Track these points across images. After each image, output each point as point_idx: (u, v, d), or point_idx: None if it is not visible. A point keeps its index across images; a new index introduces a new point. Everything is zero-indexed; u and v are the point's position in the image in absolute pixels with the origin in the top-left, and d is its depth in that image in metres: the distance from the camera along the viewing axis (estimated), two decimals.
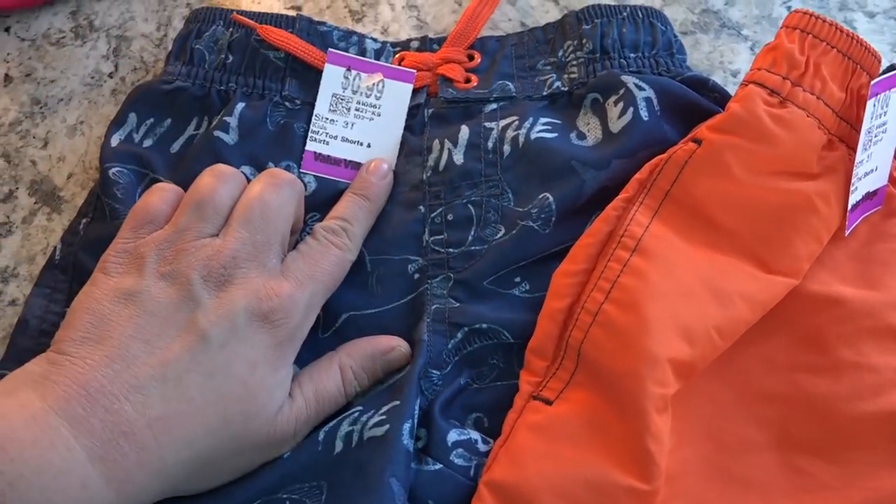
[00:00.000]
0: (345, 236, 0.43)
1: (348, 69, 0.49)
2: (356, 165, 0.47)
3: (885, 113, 0.41)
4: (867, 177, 0.41)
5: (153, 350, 0.36)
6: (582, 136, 0.46)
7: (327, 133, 0.48)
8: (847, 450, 0.39)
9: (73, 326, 0.37)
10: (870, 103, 0.40)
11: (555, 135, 0.46)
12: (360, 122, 0.48)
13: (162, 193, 0.42)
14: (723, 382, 0.41)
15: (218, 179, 0.41)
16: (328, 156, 0.48)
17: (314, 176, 0.47)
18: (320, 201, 0.47)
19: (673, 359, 0.38)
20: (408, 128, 0.48)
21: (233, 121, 0.47)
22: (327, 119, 0.48)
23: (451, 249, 0.45)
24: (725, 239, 0.41)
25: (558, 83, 0.48)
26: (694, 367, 0.39)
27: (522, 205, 0.45)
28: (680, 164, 0.41)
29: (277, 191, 0.41)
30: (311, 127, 0.48)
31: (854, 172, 0.41)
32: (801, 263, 0.40)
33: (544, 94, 0.48)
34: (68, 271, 0.47)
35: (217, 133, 0.47)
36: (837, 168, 0.41)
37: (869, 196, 0.42)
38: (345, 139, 0.48)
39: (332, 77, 0.48)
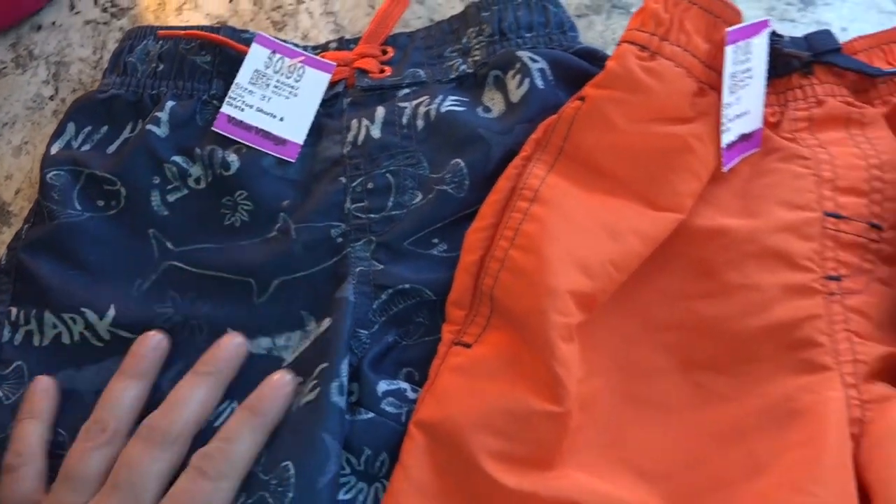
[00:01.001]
0: (221, 461, 0.41)
1: (273, 52, 0.51)
2: (266, 134, 0.49)
3: (749, 59, 0.45)
4: (739, 119, 0.44)
5: None
6: (487, 109, 0.49)
7: (244, 101, 0.50)
8: (740, 363, 0.42)
9: None
10: (728, 49, 0.43)
11: (463, 108, 0.49)
12: (276, 97, 0.50)
13: (17, 474, 0.42)
14: (627, 316, 0.43)
15: (89, 447, 0.42)
16: (241, 121, 0.50)
17: (237, 156, 0.49)
18: (245, 181, 0.48)
19: (573, 291, 0.41)
20: (327, 114, 0.50)
21: (164, 115, 0.49)
22: (246, 89, 0.50)
23: (372, 215, 0.47)
24: (615, 183, 0.44)
25: (464, 66, 0.50)
26: (594, 298, 0.42)
27: (437, 171, 0.47)
28: (569, 121, 0.45)
29: (151, 452, 0.41)
30: (230, 94, 0.50)
31: (723, 114, 0.44)
32: (683, 199, 0.43)
33: (452, 77, 0.50)
34: (11, 273, 0.48)
35: (149, 126, 0.49)
36: (709, 112, 0.44)
37: (745, 138, 0.45)
38: (260, 110, 0.50)
39: (257, 56, 0.51)
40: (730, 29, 0.44)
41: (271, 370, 0.45)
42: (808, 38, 0.46)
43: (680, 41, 0.44)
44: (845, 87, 0.47)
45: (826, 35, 0.46)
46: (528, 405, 0.40)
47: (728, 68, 0.44)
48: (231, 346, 0.45)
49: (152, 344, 0.45)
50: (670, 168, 0.43)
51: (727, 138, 0.44)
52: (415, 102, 0.49)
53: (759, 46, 0.45)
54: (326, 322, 0.45)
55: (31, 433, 0.43)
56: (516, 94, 0.48)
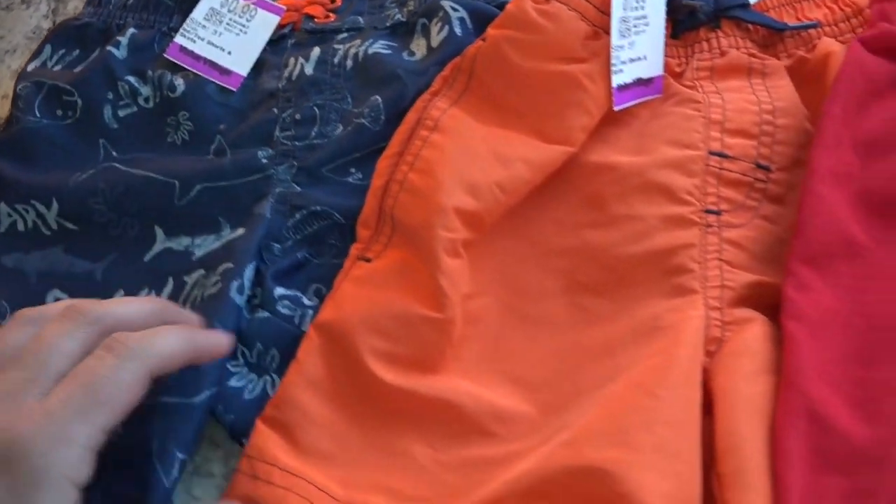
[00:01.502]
0: (133, 343, 0.36)
1: None
2: (213, 64, 0.53)
3: (643, 7, 0.46)
4: (634, 63, 0.46)
5: None
6: (412, 53, 0.52)
7: (196, 34, 0.54)
8: (620, 287, 0.43)
9: None
10: None
11: (389, 52, 0.52)
12: (227, 33, 0.54)
13: None
14: (521, 242, 0.45)
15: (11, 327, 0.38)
16: (192, 51, 0.53)
17: (184, 80, 0.52)
18: (189, 103, 0.52)
19: (459, 209, 0.43)
20: (272, 52, 0.54)
21: (124, 40, 0.54)
22: (200, 24, 0.54)
23: (296, 142, 0.50)
24: (511, 116, 0.46)
25: (399, 15, 0.53)
26: (481, 218, 0.43)
27: (358, 106, 0.50)
28: (472, 59, 0.47)
29: (65, 328, 0.37)
30: (184, 26, 0.54)
31: (614, 55, 0.46)
32: (574, 133, 0.45)
33: (387, 25, 0.53)
34: None
35: (109, 48, 0.53)
36: (602, 53, 0.46)
37: (643, 82, 0.46)
38: (210, 43, 0.53)
39: None
40: None
41: (184, 265, 0.48)
42: None
43: None
44: (753, 41, 0.47)
45: None
46: (413, 311, 0.42)
47: (616, 12, 0.46)
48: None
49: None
50: (562, 103, 0.45)
51: (619, 79, 0.45)
52: (348, 45, 0.52)
53: None
54: (240, 231, 0.48)
55: None
56: (436, 40, 0.51)
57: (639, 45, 0.46)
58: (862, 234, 0.41)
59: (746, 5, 0.47)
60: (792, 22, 0.48)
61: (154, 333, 0.38)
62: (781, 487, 0.35)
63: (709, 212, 0.43)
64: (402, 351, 0.42)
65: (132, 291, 0.49)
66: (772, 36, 0.48)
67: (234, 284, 0.45)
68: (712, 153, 0.44)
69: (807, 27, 0.47)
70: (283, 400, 0.42)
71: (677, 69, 0.48)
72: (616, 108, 0.45)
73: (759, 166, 0.44)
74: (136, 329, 0.38)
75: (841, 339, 0.39)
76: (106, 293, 0.48)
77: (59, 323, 0.37)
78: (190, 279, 0.48)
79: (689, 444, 0.37)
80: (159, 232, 0.50)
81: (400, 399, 0.41)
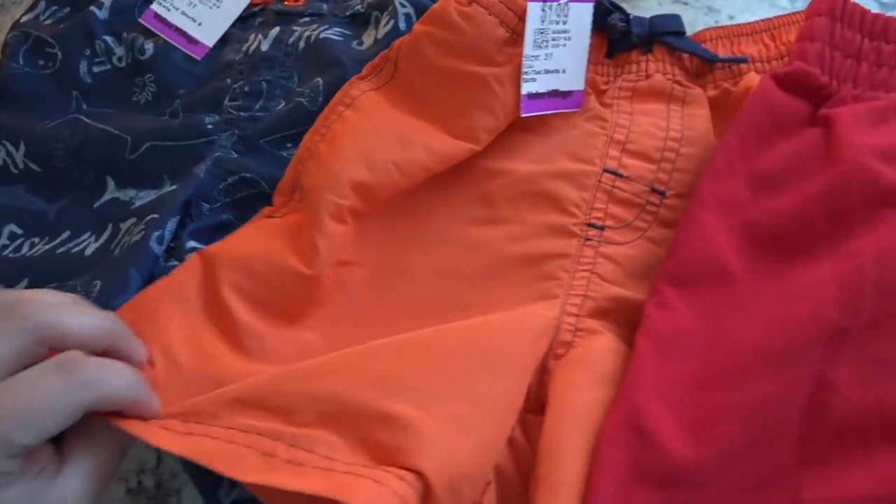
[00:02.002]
0: (88, 374, 0.34)
1: None
2: (183, 33, 0.56)
3: (566, 22, 0.47)
4: (550, 74, 0.46)
5: None
6: (360, 42, 0.54)
7: (172, 4, 0.57)
8: (491, 280, 0.44)
9: None
10: (530, 6, 0.46)
11: (340, 39, 0.54)
12: (201, 6, 0.57)
13: None
14: (411, 226, 0.46)
15: None
16: (165, 19, 0.56)
17: (153, 45, 0.55)
18: (155, 66, 0.55)
19: (353, 179, 0.44)
20: (240, 28, 0.56)
21: (107, 2, 0.57)
22: None
23: (241, 113, 0.52)
24: (424, 109, 0.47)
25: (359, 6, 0.56)
26: (374, 191, 0.45)
27: (302, 86, 0.52)
28: (397, 49, 0.49)
29: (3, 332, 0.34)
30: None
31: (526, 64, 0.46)
32: (478, 132, 0.46)
33: (347, 13, 0.56)
34: None
35: (93, 8, 0.56)
36: (518, 61, 0.46)
37: (559, 94, 0.47)
38: (184, 13, 0.56)
39: None
40: None
41: (123, 213, 0.50)
42: (651, 20, 0.48)
43: None
44: (683, 69, 0.48)
45: (671, 19, 0.47)
46: (285, 261, 0.43)
47: (531, 23, 0.46)
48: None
49: None
50: (469, 103, 0.46)
51: (530, 88, 0.46)
52: (305, 28, 0.55)
53: (581, 13, 0.47)
54: (175, 186, 0.51)
55: None
56: (381, 31, 0.53)
57: (557, 58, 0.47)
58: (737, 263, 0.41)
59: (680, 34, 0.47)
60: (725, 54, 0.48)
61: (109, 369, 0.35)
62: (590, 493, 0.36)
63: (591, 226, 0.44)
64: (264, 295, 0.43)
65: (77, 233, 0.52)
66: (702, 66, 0.48)
67: (155, 234, 0.48)
68: (606, 171, 0.45)
69: (736, 60, 0.47)
70: (146, 300, 0.42)
71: (603, 87, 0.48)
72: (523, 115, 0.46)
73: (654, 190, 0.44)
74: (81, 346, 0.35)
75: (689, 362, 0.39)
76: (54, 231, 0.52)
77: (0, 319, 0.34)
78: (124, 225, 0.51)
79: (490, 423, 0.37)
80: (110, 182, 0.53)
81: (247, 336, 0.42)
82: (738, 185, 0.42)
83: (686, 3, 0.54)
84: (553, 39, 0.47)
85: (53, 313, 0.35)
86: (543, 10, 0.46)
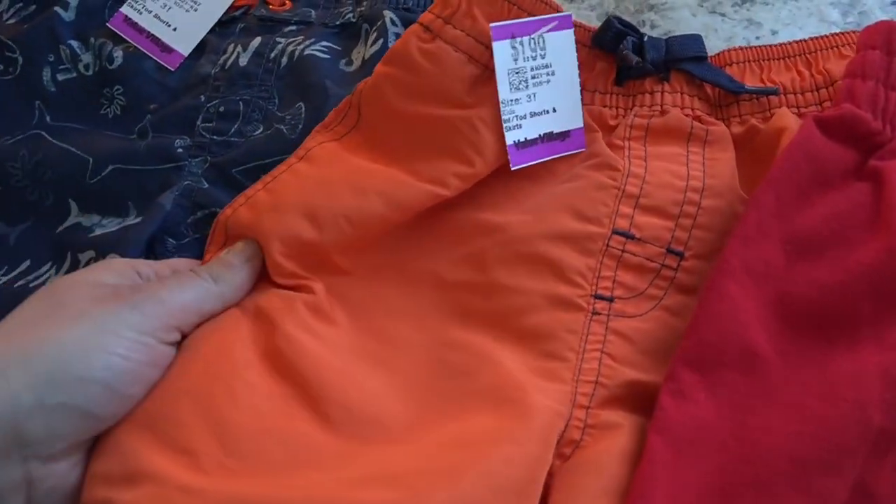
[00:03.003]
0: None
1: None
2: (156, 40, 0.48)
3: (544, 55, 0.39)
4: (538, 117, 0.39)
5: None
6: (350, 62, 0.46)
7: (144, 6, 0.49)
8: (495, 355, 0.36)
9: None
10: (497, 46, 0.38)
11: (327, 56, 0.46)
12: (177, 9, 0.49)
13: None
14: (397, 293, 0.39)
15: None
16: (136, 23, 0.48)
17: (123, 53, 0.48)
18: (124, 77, 0.48)
19: (291, 233, 0.38)
20: (220, 34, 0.49)
21: (73, 1, 0.49)
22: None
23: (214, 136, 0.45)
24: (389, 155, 0.40)
25: (350, 15, 0.48)
26: (323, 246, 0.38)
27: (283, 110, 0.45)
28: (359, 94, 0.41)
29: None
30: None
31: (506, 110, 0.39)
32: (447, 177, 0.38)
33: (337, 23, 0.48)
34: None
35: (56, 8, 0.49)
36: (494, 101, 0.39)
37: (554, 136, 0.39)
38: (157, 16, 0.49)
39: None
40: (495, 25, 0.39)
41: (82, 242, 0.44)
42: (669, 42, 0.39)
43: (464, 26, 0.40)
44: (703, 99, 0.40)
45: (691, 42, 0.39)
46: None
47: (501, 65, 0.39)
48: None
49: None
50: (436, 149, 0.39)
51: (516, 136, 0.39)
52: (289, 40, 0.47)
53: (561, 42, 0.39)
54: (139, 219, 0.44)
55: None
56: (368, 52, 0.45)
57: (542, 98, 0.39)
58: (767, 344, 0.34)
59: (702, 59, 0.40)
60: (755, 82, 0.40)
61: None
62: None
63: (599, 297, 0.37)
64: None
65: (37, 263, 0.45)
66: (727, 96, 0.40)
67: None
68: (617, 232, 0.37)
69: (765, 92, 0.39)
70: None
71: (612, 122, 0.40)
72: (514, 168, 0.39)
73: (671, 251, 0.37)
74: None
75: (707, 465, 0.33)
76: (14, 259, 0.45)
77: None
78: (83, 258, 0.44)
79: None
80: (73, 206, 0.46)
81: None
82: (772, 251, 0.35)
83: (724, 15, 0.45)
84: (533, 77, 0.39)
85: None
86: (514, 47, 0.39)
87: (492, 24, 0.39)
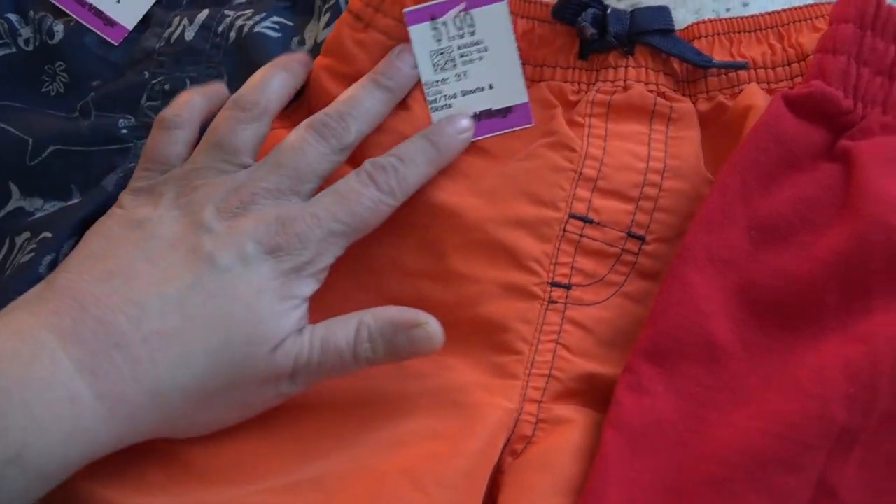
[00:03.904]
0: (392, 176, 0.35)
1: None
2: (98, 13, 0.46)
3: (473, 33, 0.38)
4: (472, 95, 0.38)
5: (156, 269, 0.32)
6: (302, 41, 0.44)
7: None
8: (447, 353, 0.35)
9: (78, 249, 0.34)
10: (416, 29, 0.38)
11: (278, 35, 0.43)
12: None
13: (173, 133, 0.37)
14: (358, 284, 0.37)
15: (238, 118, 0.37)
16: None
17: (63, 27, 0.45)
18: (66, 53, 0.45)
19: None
20: (166, 5, 0.46)
21: None
22: None
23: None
24: None
25: None
26: None
27: (233, 90, 0.41)
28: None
29: (318, 144, 0.36)
30: None
31: (431, 91, 0.38)
32: None
33: None
34: None
35: None
36: None
37: (493, 113, 0.38)
38: None
39: None
40: (409, 10, 0.38)
41: (20, 225, 0.42)
42: (634, 14, 0.37)
43: (395, 13, 0.38)
44: (669, 75, 0.37)
45: (658, 14, 0.37)
46: None
47: (421, 48, 0.38)
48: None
49: (300, 55, 0.41)
50: (376, 132, 0.38)
51: (445, 115, 0.38)
52: (238, 13, 0.44)
53: (492, 17, 0.38)
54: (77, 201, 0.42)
55: (196, 103, 0.39)
56: (322, 35, 0.43)
57: (474, 75, 0.38)
58: (730, 335, 0.33)
59: (668, 31, 0.37)
60: (724, 57, 0.38)
61: (406, 162, 0.36)
62: None
63: (556, 285, 0.35)
64: None
65: None
66: (695, 71, 0.37)
67: (47, 259, 0.39)
68: (574, 216, 0.35)
69: (733, 66, 0.37)
70: None
71: (573, 97, 0.38)
72: None
73: (632, 235, 0.35)
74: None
75: (664, 460, 0.31)
76: None
77: (313, 136, 0.36)
78: (18, 240, 0.42)
79: None
80: (14, 189, 0.44)
81: None
82: (736, 237, 0.33)
83: None
84: (462, 56, 0.38)
85: (350, 115, 0.37)
86: (435, 28, 0.37)
87: (405, 10, 0.38)
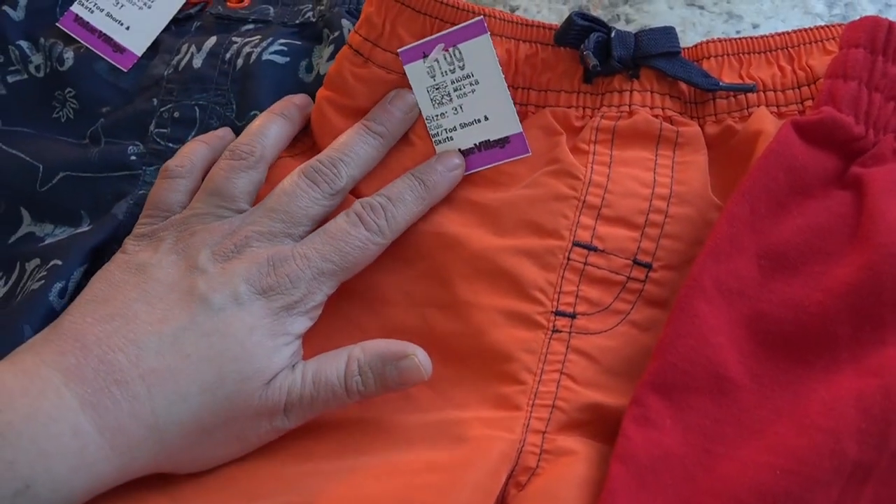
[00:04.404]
0: (381, 217, 0.36)
1: None
2: (108, 39, 0.46)
3: (462, 66, 0.38)
4: (469, 127, 0.38)
5: (154, 310, 0.33)
6: (310, 67, 0.44)
7: (96, 4, 0.46)
8: (449, 384, 0.35)
9: (83, 294, 0.35)
10: (411, 67, 0.38)
11: (286, 59, 0.43)
12: (129, 6, 0.46)
13: (176, 182, 0.39)
14: (367, 312, 0.38)
15: (235, 167, 0.38)
16: (87, 22, 0.46)
17: (73, 53, 0.46)
18: (75, 79, 0.45)
19: None
20: (175, 33, 0.46)
21: (23, 0, 0.47)
22: None
23: (170, 144, 0.43)
24: None
25: (310, 14, 0.45)
26: None
27: (241, 119, 0.43)
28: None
29: (310, 189, 0.37)
30: None
31: (433, 125, 0.39)
32: None
33: (297, 21, 0.45)
34: None
35: (5, 7, 0.47)
36: None
37: (492, 144, 0.38)
38: (109, 15, 0.46)
39: None
40: (402, 49, 0.38)
41: (30, 251, 0.42)
42: (638, 37, 0.37)
43: (392, 47, 0.38)
44: (676, 98, 0.37)
45: (662, 36, 0.36)
46: None
47: (417, 84, 0.38)
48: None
49: (299, 98, 0.42)
50: (379, 167, 0.39)
51: (448, 147, 0.39)
52: (245, 40, 0.44)
53: (478, 50, 0.38)
54: (89, 228, 0.42)
55: (200, 153, 0.40)
56: (324, 67, 0.43)
57: (470, 108, 0.38)
58: (739, 368, 0.32)
59: (674, 54, 0.37)
60: (733, 78, 0.38)
61: (395, 201, 0.37)
62: None
63: (560, 314, 0.34)
64: None
65: None
66: (702, 93, 0.37)
67: (57, 286, 0.39)
68: (578, 244, 0.35)
69: (742, 89, 0.36)
70: None
71: (577, 123, 0.37)
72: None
73: (638, 263, 0.35)
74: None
75: (672, 495, 0.30)
76: None
77: (305, 182, 0.37)
78: (29, 266, 0.42)
79: None
80: (25, 214, 0.44)
81: None
82: (745, 267, 0.33)
83: (702, 8, 0.43)
84: (456, 90, 0.38)
85: (341, 161, 0.38)
86: (429, 65, 0.38)
87: (399, 50, 0.38)
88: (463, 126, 0.38)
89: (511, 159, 0.38)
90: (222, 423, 0.33)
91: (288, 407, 0.34)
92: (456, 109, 0.38)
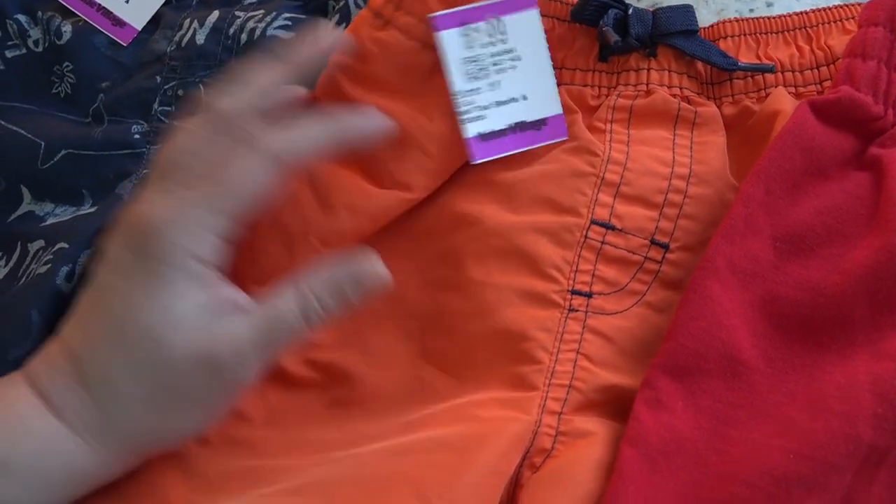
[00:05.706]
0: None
1: None
2: (107, 13, 0.46)
3: (505, 40, 0.37)
4: (504, 106, 0.37)
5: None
6: None
7: None
8: (463, 366, 0.36)
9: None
10: (447, 35, 0.37)
11: (291, 34, 0.43)
12: None
13: None
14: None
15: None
16: None
17: (71, 27, 0.46)
18: (73, 53, 0.45)
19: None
20: (176, 6, 0.46)
21: None
22: None
23: (175, 122, 0.43)
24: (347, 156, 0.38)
25: None
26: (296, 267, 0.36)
27: None
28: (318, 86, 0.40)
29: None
30: None
31: (463, 101, 0.37)
32: (409, 176, 0.37)
33: None
34: None
35: None
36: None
37: (527, 126, 0.37)
38: None
39: None
40: (438, 14, 0.37)
41: (33, 231, 0.43)
42: (656, 15, 0.37)
43: (416, 11, 0.38)
44: (693, 77, 0.38)
45: (681, 14, 0.37)
46: None
47: (451, 54, 0.37)
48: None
49: None
50: (395, 142, 0.37)
51: (480, 127, 0.37)
52: (249, 14, 0.44)
53: (525, 24, 0.37)
54: (93, 209, 0.43)
55: None
56: None
57: (508, 85, 0.37)
58: (752, 350, 0.33)
59: (692, 32, 0.37)
60: (750, 58, 0.38)
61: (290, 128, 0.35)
62: None
63: (576, 293, 0.35)
64: None
65: None
66: (719, 73, 0.38)
67: (64, 270, 0.40)
68: (595, 222, 0.36)
69: (760, 69, 0.37)
70: None
71: (593, 102, 0.38)
72: (474, 162, 0.37)
73: (655, 243, 0.36)
74: None
75: (683, 478, 0.31)
76: None
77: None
78: (32, 248, 0.43)
79: None
80: (25, 192, 0.45)
81: None
82: (760, 248, 0.34)
83: None
84: (495, 64, 0.37)
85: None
86: (466, 34, 0.37)
87: (435, 14, 0.37)
88: (499, 104, 0.37)
89: (547, 142, 0.38)
90: (185, 389, 0.33)
91: (239, 351, 0.33)
92: (493, 85, 0.38)
